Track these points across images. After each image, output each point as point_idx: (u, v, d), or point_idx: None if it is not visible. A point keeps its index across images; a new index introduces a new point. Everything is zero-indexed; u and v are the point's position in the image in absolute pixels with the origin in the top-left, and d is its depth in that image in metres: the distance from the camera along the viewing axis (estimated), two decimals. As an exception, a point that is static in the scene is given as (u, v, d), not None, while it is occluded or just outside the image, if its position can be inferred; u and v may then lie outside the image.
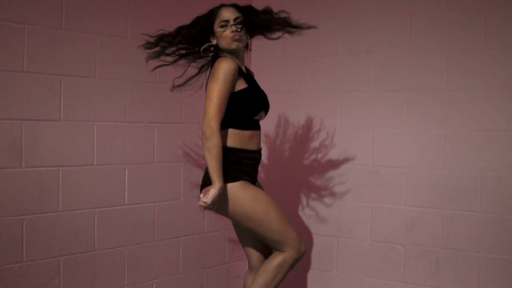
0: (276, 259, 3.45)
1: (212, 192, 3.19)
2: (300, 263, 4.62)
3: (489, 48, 4.05)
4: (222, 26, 3.41)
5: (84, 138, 3.81)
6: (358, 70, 4.52)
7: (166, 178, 4.28)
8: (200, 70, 3.59)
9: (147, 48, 3.46)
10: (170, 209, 4.33)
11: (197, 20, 3.48)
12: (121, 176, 4.04)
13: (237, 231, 3.71)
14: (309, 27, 3.53)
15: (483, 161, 4.07)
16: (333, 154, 4.61)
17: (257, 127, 3.50)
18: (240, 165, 3.41)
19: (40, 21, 3.56)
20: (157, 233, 4.24)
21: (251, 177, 3.48)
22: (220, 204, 3.32)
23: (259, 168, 3.72)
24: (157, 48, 3.45)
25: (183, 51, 3.52)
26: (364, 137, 4.49)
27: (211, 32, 3.47)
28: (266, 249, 3.64)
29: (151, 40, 3.45)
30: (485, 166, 4.06)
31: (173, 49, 3.48)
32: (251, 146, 3.46)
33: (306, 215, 4.70)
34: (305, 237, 4.70)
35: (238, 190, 3.36)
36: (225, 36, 3.41)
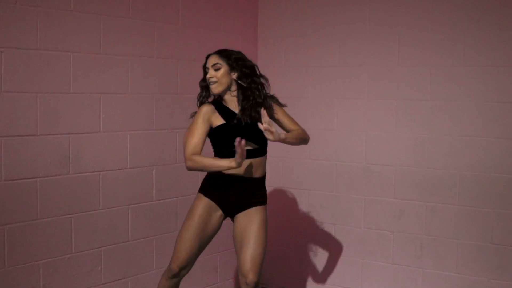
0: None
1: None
2: (302, 247, 5.31)
3: (467, 65, 4.65)
4: (205, 73, 3.91)
5: (119, 146, 4.43)
6: (353, 79, 5.12)
7: (187, 176, 4.88)
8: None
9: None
10: (189, 203, 4.96)
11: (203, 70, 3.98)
12: (150, 176, 4.66)
13: None
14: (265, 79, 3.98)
15: (460, 161, 4.71)
16: (330, 153, 5.23)
17: (248, 156, 3.80)
18: (210, 179, 3.92)
19: (82, 48, 4.15)
20: (179, 224, 4.87)
21: (211, 194, 3.90)
22: None
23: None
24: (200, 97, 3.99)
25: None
26: (358, 138, 5.11)
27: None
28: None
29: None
30: (463, 165, 4.70)
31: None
32: (234, 172, 3.83)
33: (309, 205, 5.35)
34: (307, 225, 5.34)
35: (195, 197, 3.97)
36: (207, 79, 3.88)
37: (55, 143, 4.04)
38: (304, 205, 5.36)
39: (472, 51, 4.63)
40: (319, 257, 5.33)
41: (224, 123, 3.83)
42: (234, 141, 3.59)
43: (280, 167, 5.44)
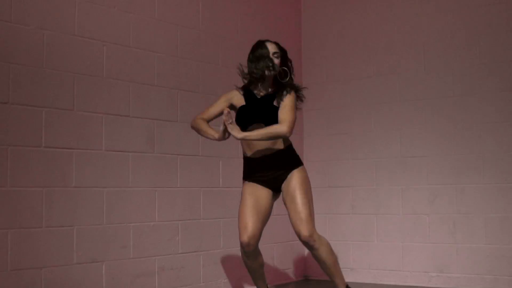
0: None
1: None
2: (347, 236, 5.99)
3: (482, 63, 5.49)
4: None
5: (192, 135, 5.24)
6: (387, 86, 5.97)
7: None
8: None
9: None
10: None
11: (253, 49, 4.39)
12: (217, 165, 5.45)
13: None
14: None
15: (484, 145, 5.45)
16: (369, 151, 6.01)
17: None
18: (244, 166, 4.42)
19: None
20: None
21: (250, 177, 4.36)
22: None
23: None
24: None
25: None
26: (394, 135, 5.89)
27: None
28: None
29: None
30: (486, 149, 5.44)
31: None
32: (248, 153, 4.35)
33: (351, 200, 6.07)
34: (351, 217, 6.05)
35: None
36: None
37: (144, 126, 4.86)
38: (348, 201, 6.09)
39: (489, 48, 5.48)
40: (363, 245, 6.01)
41: (244, 105, 4.32)
42: (249, 120, 4.19)
43: (326, 169, 6.20)
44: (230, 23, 5.72)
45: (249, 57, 4.37)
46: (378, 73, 6.01)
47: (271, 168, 4.31)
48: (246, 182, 4.40)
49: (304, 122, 6.37)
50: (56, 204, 4.28)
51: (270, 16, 6.18)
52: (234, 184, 5.55)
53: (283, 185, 4.33)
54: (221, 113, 4.37)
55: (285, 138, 4.29)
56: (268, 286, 4.50)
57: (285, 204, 4.33)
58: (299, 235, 4.21)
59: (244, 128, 4.22)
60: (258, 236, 4.26)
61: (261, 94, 4.35)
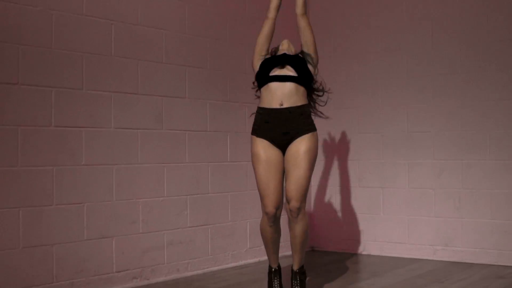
0: None
1: None
2: (354, 209, 6.08)
3: (493, 40, 5.49)
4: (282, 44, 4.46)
5: (200, 111, 5.30)
6: (393, 62, 5.98)
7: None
8: None
9: None
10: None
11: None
12: (225, 140, 5.52)
13: None
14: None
15: (490, 121, 5.48)
16: (376, 126, 6.05)
17: (278, 80, 4.19)
18: (256, 121, 4.28)
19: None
20: (248, 184, 5.68)
21: (263, 133, 4.23)
22: None
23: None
24: None
25: None
26: (401, 110, 5.92)
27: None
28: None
29: None
30: (492, 125, 5.47)
31: None
32: (268, 103, 4.20)
33: (357, 173, 6.13)
34: (358, 190, 6.12)
35: (251, 142, 4.35)
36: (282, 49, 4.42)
37: (152, 102, 4.92)
38: (355, 174, 6.15)
39: (499, 26, 5.47)
40: (370, 218, 6.08)
41: (269, 57, 4.37)
42: (274, 64, 4.22)
43: (334, 142, 6.25)
44: (238, 0, 5.74)
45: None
46: (385, 49, 6.02)
47: (286, 123, 4.19)
48: (254, 137, 4.31)
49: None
50: (66, 182, 4.37)
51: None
52: (241, 159, 5.62)
53: (292, 143, 4.22)
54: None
55: (306, 97, 4.29)
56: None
57: (285, 164, 4.25)
58: (289, 201, 4.16)
59: (267, 74, 4.23)
60: (281, 205, 4.27)
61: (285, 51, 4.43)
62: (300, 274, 4.27)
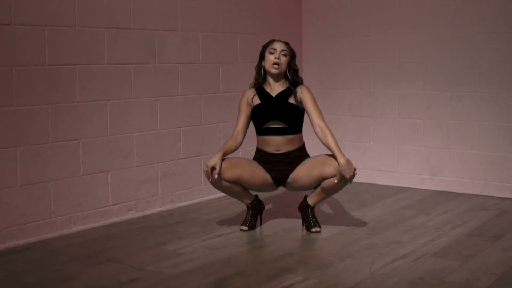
0: None
1: None
2: (344, 137, 6.15)
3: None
4: (270, 53, 4.50)
5: (193, 44, 5.29)
6: (387, -10, 5.95)
7: (250, 73, 5.71)
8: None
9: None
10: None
11: (263, 47, 4.63)
12: (217, 71, 5.54)
13: None
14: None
15: (480, 54, 5.51)
16: (367, 55, 6.07)
17: (266, 133, 4.49)
18: (257, 160, 4.57)
19: None
20: (240, 116, 5.73)
21: (258, 160, 4.55)
22: None
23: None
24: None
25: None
26: (392, 41, 5.93)
27: (263, 57, 4.57)
28: None
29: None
30: (483, 58, 5.51)
31: None
32: (266, 149, 4.52)
33: (348, 102, 6.20)
34: (348, 118, 6.20)
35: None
36: (268, 59, 4.49)
37: (146, 38, 4.91)
38: (345, 103, 6.21)
39: None
40: (359, 146, 6.19)
41: (259, 104, 4.51)
42: (265, 119, 4.43)
43: (324, 70, 6.28)
44: None
45: (260, 55, 4.59)
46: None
47: (282, 164, 4.49)
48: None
49: (303, 24, 6.38)
50: (62, 120, 4.41)
51: None
52: (233, 89, 5.66)
53: (292, 175, 4.50)
54: (250, 120, 4.59)
55: (300, 138, 4.57)
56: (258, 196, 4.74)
57: (299, 178, 4.48)
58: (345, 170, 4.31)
59: (260, 126, 4.50)
60: (234, 179, 4.45)
61: (274, 92, 4.54)
62: (314, 209, 4.62)
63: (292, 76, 4.54)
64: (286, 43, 4.57)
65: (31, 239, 4.27)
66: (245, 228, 4.57)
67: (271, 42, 4.58)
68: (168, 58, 5.10)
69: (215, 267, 3.81)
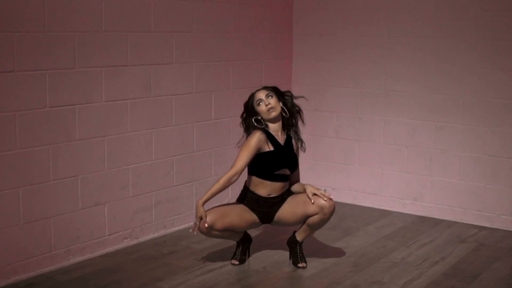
0: None
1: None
2: (330, 158, 6.36)
3: None
4: (258, 104, 4.65)
5: (187, 76, 5.46)
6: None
7: (240, 100, 5.89)
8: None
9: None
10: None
11: (245, 105, 4.78)
12: (209, 99, 5.73)
13: None
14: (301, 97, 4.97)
15: (464, 88, 5.73)
16: (355, 81, 6.26)
17: (273, 179, 4.67)
18: (245, 199, 4.77)
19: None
20: (231, 139, 5.94)
21: (246, 204, 4.75)
22: None
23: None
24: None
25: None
26: (380, 69, 6.12)
27: (255, 111, 4.68)
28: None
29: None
30: (466, 91, 5.72)
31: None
32: (259, 192, 4.70)
33: (335, 125, 6.41)
34: (335, 141, 6.42)
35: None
36: (261, 110, 4.64)
37: (141, 72, 5.08)
38: (332, 126, 6.43)
39: (476, -3, 5.63)
40: (345, 168, 6.42)
41: (273, 150, 4.64)
42: (278, 166, 4.62)
43: (313, 93, 6.47)
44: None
45: (243, 114, 4.79)
46: (366, 6, 6.15)
47: (270, 206, 4.73)
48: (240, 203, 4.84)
49: (294, 47, 6.55)
50: (61, 158, 4.59)
51: None
52: (225, 115, 5.85)
53: (280, 211, 4.76)
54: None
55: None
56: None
57: (291, 212, 4.72)
58: (328, 206, 4.58)
59: (270, 172, 4.66)
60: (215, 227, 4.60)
61: (281, 139, 4.72)
62: (302, 245, 4.85)
63: (289, 110, 4.73)
64: (265, 87, 4.73)
65: (32, 273, 4.49)
66: (236, 262, 4.81)
67: (251, 96, 4.72)
68: (163, 91, 5.28)
69: (208, 312, 4.05)
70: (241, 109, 5.06)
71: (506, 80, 5.55)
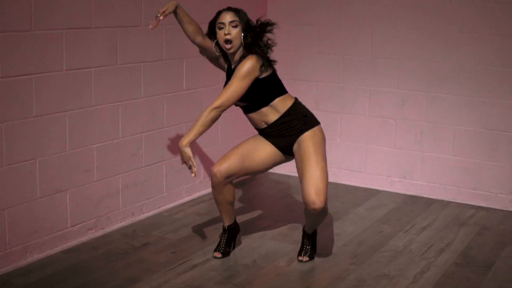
0: None
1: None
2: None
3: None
4: (219, 28, 3.93)
5: (157, 38, 4.76)
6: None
7: (211, 69, 5.25)
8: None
9: None
10: (213, 91, 5.37)
11: (209, 22, 4.06)
12: (180, 67, 5.05)
13: None
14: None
15: (460, 55, 5.22)
16: (337, 46, 5.67)
17: (247, 111, 4.06)
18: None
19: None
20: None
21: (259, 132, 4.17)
22: None
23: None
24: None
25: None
26: (365, 33, 5.55)
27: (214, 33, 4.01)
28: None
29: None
30: (462, 59, 5.22)
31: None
32: (254, 126, 4.13)
33: (315, 95, 5.81)
34: (314, 113, 5.84)
35: None
36: (219, 36, 3.94)
37: (106, 35, 4.35)
38: (312, 96, 5.83)
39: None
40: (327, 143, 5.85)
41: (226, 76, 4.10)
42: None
43: (289, 60, 5.85)
44: None
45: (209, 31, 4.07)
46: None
47: (281, 134, 4.05)
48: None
49: (268, 8, 5.89)
50: (16, 138, 3.86)
51: None
52: (198, 85, 5.20)
53: (294, 148, 4.04)
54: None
55: (281, 102, 4.01)
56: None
57: (297, 167, 4.03)
58: (311, 204, 3.87)
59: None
60: (228, 174, 4.00)
61: (233, 64, 4.05)
62: (313, 235, 4.25)
63: (253, 49, 3.92)
64: (236, 11, 3.97)
65: (-15, 276, 3.79)
66: (219, 255, 4.20)
67: (217, 14, 3.99)
68: (131, 57, 4.56)
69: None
70: (213, 79, 4.49)
71: (507, 47, 5.06)
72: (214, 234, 4.54)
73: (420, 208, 5.22)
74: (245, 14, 4.00)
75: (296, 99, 4.12)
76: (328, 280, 3.94)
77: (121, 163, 4.60)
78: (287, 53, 5.83)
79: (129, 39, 4.53)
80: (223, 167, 3.98)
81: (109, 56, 4.39)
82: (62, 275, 3.88)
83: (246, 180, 5.79)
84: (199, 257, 4.20)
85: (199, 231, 4.61)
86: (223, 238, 4.25)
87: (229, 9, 3.98)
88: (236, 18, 3.92)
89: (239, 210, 4.94)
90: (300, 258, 4.19)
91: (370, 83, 5.58)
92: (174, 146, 5.03)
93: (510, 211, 5.20)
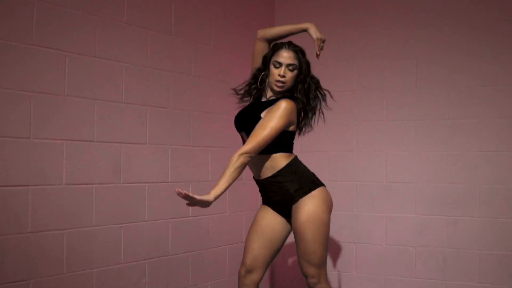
0: None
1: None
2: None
3: (483, 85, 4.98)
4: (275, 67, 3.61)
5: (163, 159, 4.51)
6: (372, 102, 5.37)
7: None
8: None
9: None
10: (220, 221, 5.04)
11: (264, 56, 3.70)
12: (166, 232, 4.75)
13: None
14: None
15: (480, 175, 4.96)
16: (351, 174, 5.42)
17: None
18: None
19: (132, 60, 4.28)
20: (210, 242, 4.94)
21: (263, 199, 3.85)
22: None
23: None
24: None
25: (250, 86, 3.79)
26: (378, 156, 5.32)
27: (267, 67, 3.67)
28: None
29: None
30: (482, 179, 4.96)
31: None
32: (253, 175, 3.82)
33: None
34: (330, 245, 5.47)
35: None
36: (272, 73, 3.61)
37: (109, 151, 4.10)
38: (323, 226, 5.48)
39: (488, 71, 4.96)
40: (341, 276, 5.44)
41: (245, 107, 3.79)
42: (237, 127, 3.75)
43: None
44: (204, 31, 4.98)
45: (263, 62, 3.72)
46: (363, 88, 5.41)
47: (275, 194, 3.71)
48: (262, 204, 3.88)
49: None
50: (9, 255, 3.48)
51: None
52: (204, 211, 4.88)
53: (292, 211, 3.68)
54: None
55: (278, 160, 3.65)
56: None
57: (294, 235, 3.71)
58: (306, 276, 3.68)
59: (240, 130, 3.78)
60: (258, 272, 3.74)
61: (264, 99, 3.74)
62: None
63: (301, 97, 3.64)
64: (296, 51, 3.62)
65: None
66: None
67: (276, 49, 3.63)
68: (135, 176, 4.29)
69: None
70: (221, 207, 4.31)
71: (529, 165, 4.84)
72: None
73: None
74: (304, 54, 3.67)
75: (296, 157, 3.78)
76: None
77: (123, 291, 4.19)
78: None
79: (133, 157, 4.28)
80: (245, 264, 3.74)
81: (112, 173, 4.12)
82: None
83: None
84: None
85: None
86: None
87: (289, 46, 3.64)
88: (295, 62, 3.62)
89: None
90: None
91: (386, 209, 5.27)
92: (180, 276, 4.63)
93: None
